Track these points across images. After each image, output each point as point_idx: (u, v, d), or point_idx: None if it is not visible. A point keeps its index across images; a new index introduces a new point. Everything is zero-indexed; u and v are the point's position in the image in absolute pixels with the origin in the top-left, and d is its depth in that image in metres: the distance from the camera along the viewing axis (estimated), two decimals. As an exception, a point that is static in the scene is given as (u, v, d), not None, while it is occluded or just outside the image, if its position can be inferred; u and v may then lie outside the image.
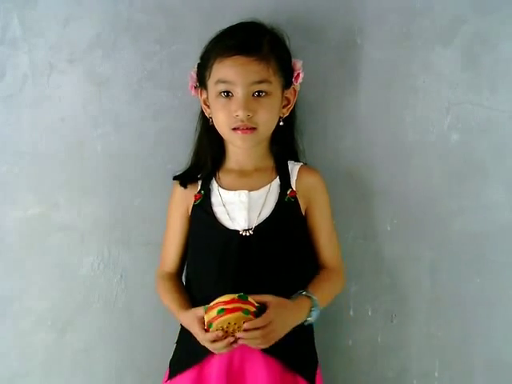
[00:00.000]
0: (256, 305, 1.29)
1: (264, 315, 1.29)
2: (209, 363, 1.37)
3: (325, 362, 1.59)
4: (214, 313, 1.27)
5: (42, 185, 1.65)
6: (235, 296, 1.27)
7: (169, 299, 1.46)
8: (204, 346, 1.32)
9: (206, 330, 1.29)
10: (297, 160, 1.53)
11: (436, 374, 1.61)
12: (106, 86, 1.63)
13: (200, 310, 1.32)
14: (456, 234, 1.60)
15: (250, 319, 1.27)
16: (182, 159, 1.54)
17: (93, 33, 1.62)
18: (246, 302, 1.28)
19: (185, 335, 1.40)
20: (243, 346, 1.30)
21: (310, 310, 1.38)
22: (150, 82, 1.62)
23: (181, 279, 1.52)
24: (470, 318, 1.61)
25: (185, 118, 1.57)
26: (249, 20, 1.47)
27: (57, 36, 1.63)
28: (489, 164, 1.58)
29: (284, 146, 1.50)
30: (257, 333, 1.27)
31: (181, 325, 1.45)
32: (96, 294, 1.66)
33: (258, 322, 1.28)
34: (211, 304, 1.28)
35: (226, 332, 1.27)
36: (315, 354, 1.47)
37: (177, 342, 1.47)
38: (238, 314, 1.26)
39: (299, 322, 1.36)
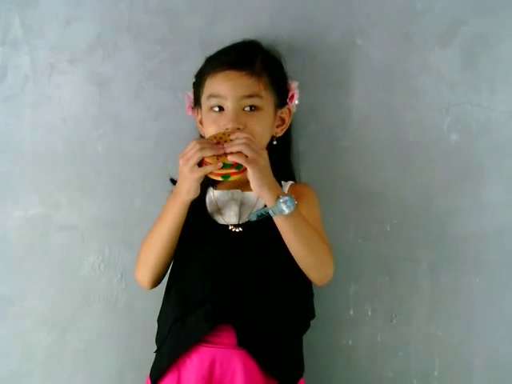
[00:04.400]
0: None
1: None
2: (188, 372, 1.34)
3: (325, 362, 1.59)
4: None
5: (42, 185, 1.66)
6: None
7: (159, 216, 1.42)
8: (182, 344, 1.33)
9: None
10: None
11: (436, 374, 1.61)
12: (106, 87, 1.64)
13: None
14: (455, 234, 1.60)
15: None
16: (183, 160, 1.54)
17: (94, 33, 1.63)
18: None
19: (163, 342, 1.39)
20: (224, 353, 1.32)
21: (280, 198, 1.31)
22: (151, 83, 1.63)
23: None
24: (469, 317, 1.61)
25: (185, 119, 1.57)
26: (246, 39, 1.48)
27: (58, 36, 1.63)
28: (488, 164, 1.58)
29: (277, 167, 1.44)
30: (241, 134, 1.31)
31: (157, 333, 1.44)
32: (96, 294, 1.66)
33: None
34: None
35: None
36: (300, 365, 1.43)
37: (156, 351, 1.44)
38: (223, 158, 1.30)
39: (271, 183, 1.32)
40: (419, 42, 1.58)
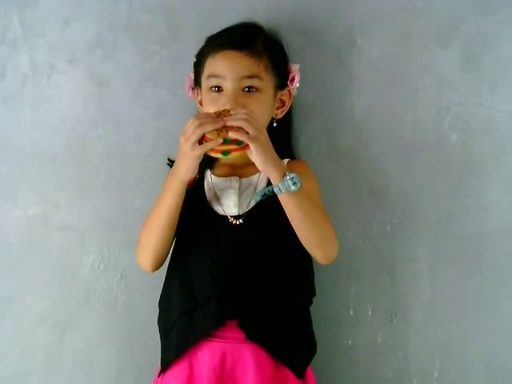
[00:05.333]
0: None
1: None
2: (199, 364, 1.35)
3: (325, 362, 1.59)
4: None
5: (42, 185, 1.65)
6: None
7: (157, 198, 1.41)
8: (191, 334, 1.33)
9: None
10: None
11: (435, 374, 1.61)
12: (106, 86, 1.63)
13: None
14: (456, 234, 1.60)
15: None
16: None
17: (93, 33, 1.63)
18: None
19: (169, 332, 1.39)
20: (234, 346, 1.32)
21: (287, 175, 1.30)
22: (150, 82, 1.63)
23: None
24: (469, 318, 1.61)
25: (185, 118, 1.54)
26: (248, 21, 1.47)
27: (57, 36, 1.63)
28: (489, 164, 1.58)
29: (277, 148, 1.42)
30: (241, 110, 1.30)
31: (159, 318, 1.44)
32: (96, 294, 1.65)
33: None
34: None
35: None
36: (311, 349, 1.44)
37: (162, 337, 1.43)
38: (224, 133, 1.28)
39: (276, 160, 1.31)
40: (419, 41, 1.58)
